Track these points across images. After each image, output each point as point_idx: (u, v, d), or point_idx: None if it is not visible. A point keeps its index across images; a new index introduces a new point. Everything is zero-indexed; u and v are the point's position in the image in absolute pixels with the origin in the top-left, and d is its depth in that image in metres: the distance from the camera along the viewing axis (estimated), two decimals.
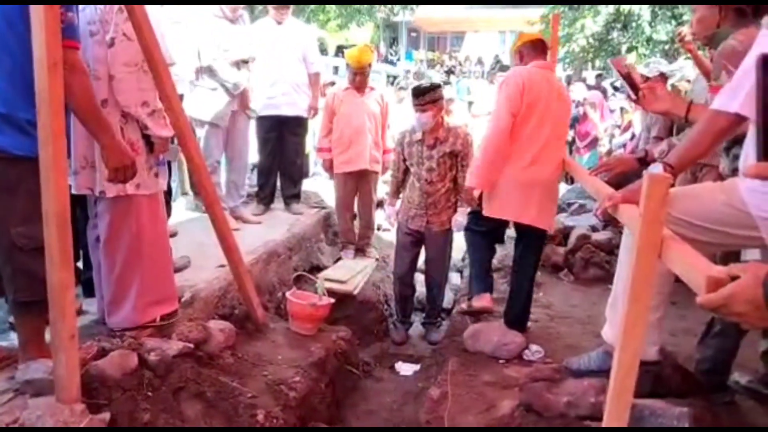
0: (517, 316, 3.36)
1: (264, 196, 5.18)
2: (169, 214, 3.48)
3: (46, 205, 1.93)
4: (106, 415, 2.13)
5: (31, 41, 1.88)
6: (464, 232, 3.70)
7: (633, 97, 2.28)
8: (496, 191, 3.25)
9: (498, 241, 3.67)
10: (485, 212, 3.30)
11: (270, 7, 4.90)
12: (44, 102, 1.88)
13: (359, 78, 4.80)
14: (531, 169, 3.17)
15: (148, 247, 2.73)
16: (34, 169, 2.06)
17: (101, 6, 2.42)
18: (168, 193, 3.49)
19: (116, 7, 2.36)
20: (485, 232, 3.48)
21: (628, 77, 2.31)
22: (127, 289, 2.73)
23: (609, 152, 7.78)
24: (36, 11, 1.83)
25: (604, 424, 1.79)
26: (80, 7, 2.34)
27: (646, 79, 4.45)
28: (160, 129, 2.62)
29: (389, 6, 20.43)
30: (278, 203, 5.33)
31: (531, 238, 3.37)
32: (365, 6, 19.03)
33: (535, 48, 3.40)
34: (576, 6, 12.60)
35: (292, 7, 4.91)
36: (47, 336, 2.36)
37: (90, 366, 2.30)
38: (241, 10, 4.50)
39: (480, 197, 3.35)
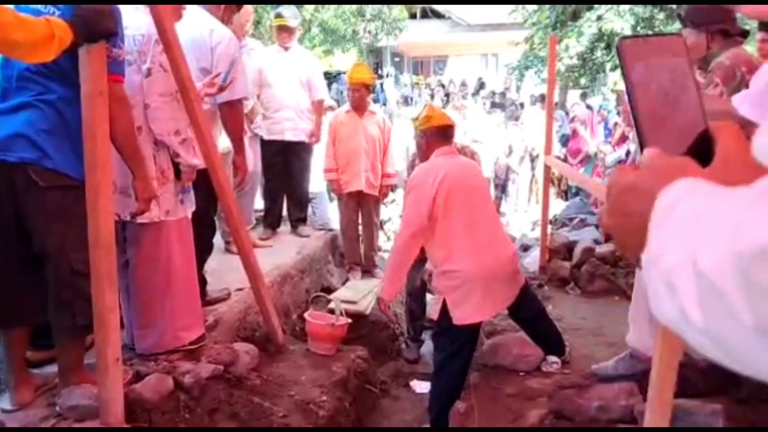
0: (554, 349, 3.27)
1: (271, 220, 5.21)
2: (209, 251, 3.53)
3: (93, 230, 1.98)
4: None
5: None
6: (435, 360, 3.28)
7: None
8: (458, 296, 2.97)
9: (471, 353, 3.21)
10: (456, 321, 2.96)
11: (275, 35, 5.00)
12: (90, 130, 1.95)
13: (356, 95, 4.93)
14: (484, 254, 2.97)
15: (177, 272, 2.76)
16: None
17: (139, 38, 2.50)
18: (212, 232, 3.56)
19: (153, 39, 2.44)
20: (459, 356, 3.07)
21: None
22: (156, 314, 2.75)
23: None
24: (84, 47, 1.91)
25: (646, 422, 1.84)
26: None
27: None
28: (190, 157, 2.68)
29: (372, 32, 20.72)
30: (284, 226, 5.37)
31: (521, 301, 3.18)
32: (349, 32, 19.29)
33: (444, 134, 3.22)
34: (560, 26, 12.91)
35: (297, 34, 5.01)
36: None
37: (128, 390, 2.33)
38: (246, 40, 4.58)
39: (442, 307, 3.02)
